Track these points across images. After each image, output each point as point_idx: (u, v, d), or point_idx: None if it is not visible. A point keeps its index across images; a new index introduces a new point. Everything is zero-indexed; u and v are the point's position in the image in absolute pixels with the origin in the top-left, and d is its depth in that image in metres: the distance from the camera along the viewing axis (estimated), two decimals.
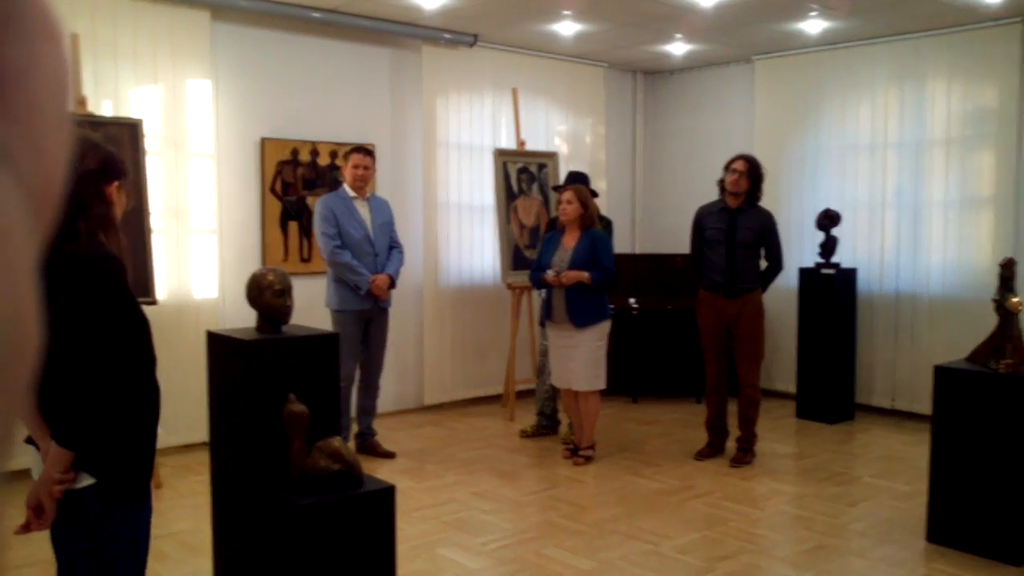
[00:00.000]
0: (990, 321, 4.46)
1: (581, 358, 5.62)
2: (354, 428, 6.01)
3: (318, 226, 5.76)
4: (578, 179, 6.24)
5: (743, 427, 5.84)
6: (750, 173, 5.70)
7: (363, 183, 5.80)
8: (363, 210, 5.83)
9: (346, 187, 5.83)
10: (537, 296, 6.33)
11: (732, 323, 5.74)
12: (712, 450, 5.93)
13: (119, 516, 2.36)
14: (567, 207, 5.66)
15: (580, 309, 5.58)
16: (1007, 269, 4.37)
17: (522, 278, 6.74)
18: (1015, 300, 4.30)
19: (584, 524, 4.66)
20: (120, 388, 2.29)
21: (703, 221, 5.87)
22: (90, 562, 2.33)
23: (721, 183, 5.80)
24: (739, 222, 5.71)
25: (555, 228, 6.12)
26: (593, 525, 4.65)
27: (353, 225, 5.73)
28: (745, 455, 5.81)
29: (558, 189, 6.33)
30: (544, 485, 5.38)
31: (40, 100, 0.30)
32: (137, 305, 2.37)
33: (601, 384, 5.71)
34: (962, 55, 6.74)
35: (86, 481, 2.30)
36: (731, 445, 5.93)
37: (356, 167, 5.77)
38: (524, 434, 6.45)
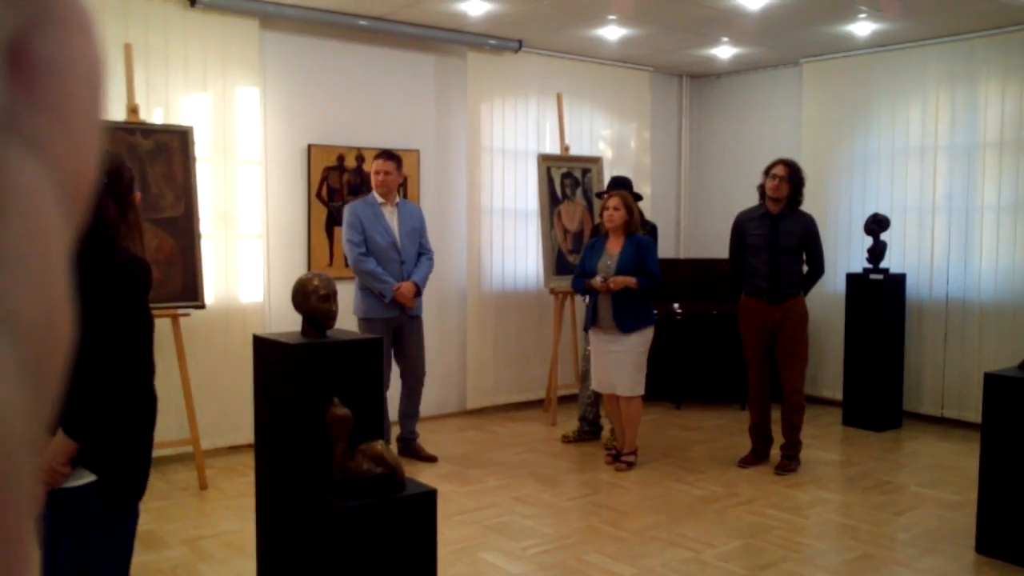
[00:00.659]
0: None
1: (625, 363, 5.62)
2: (396, 431, 6.02)
3: (344, 233, 5.72)
4: (622, 184, 6.23)
5: (788, 434, 5.78)
6: (791, 177, 5.65)
7: (387, 189, 5.70)
8: (391, 216, 5.74)
9: (375, 194, 5.77)
10: (581, 302, 6.32)
11: (776, 329, 5.69)
12: (756, 457, 5.88)
13: (111, 518, 2.40)
14: (614, 213, 5.65)
15: (626, 314, 5.58)
16: None
17: (565, 283, 6.74)
18: None
19: (625, 530, 4.65)
20: (126, 390, 2.35)
21: (744, 227, 5.82)
22: (74, 560, 2.35)
23: (761, 188, 5.75)
24: (781, 227, 5.67)
25: (598, 234, 6.13)
26: (634, 531, 4.64)
27: (379, 232, 5.66)
28: (790, 462, 5.75)
29: (601, 195, 6.33)
30: (586, 491, 5.38)
31: (73, 93, 0.31)
32: (146, 312, 2.44)
33: (641, 389, 5.72)
34: (1017, 55, 6.61)
35: (85, 479, 2.34)
36: (775, 452, 5.87)
37: (377, 173, 5.72)
38: (566, 439, 6.45)
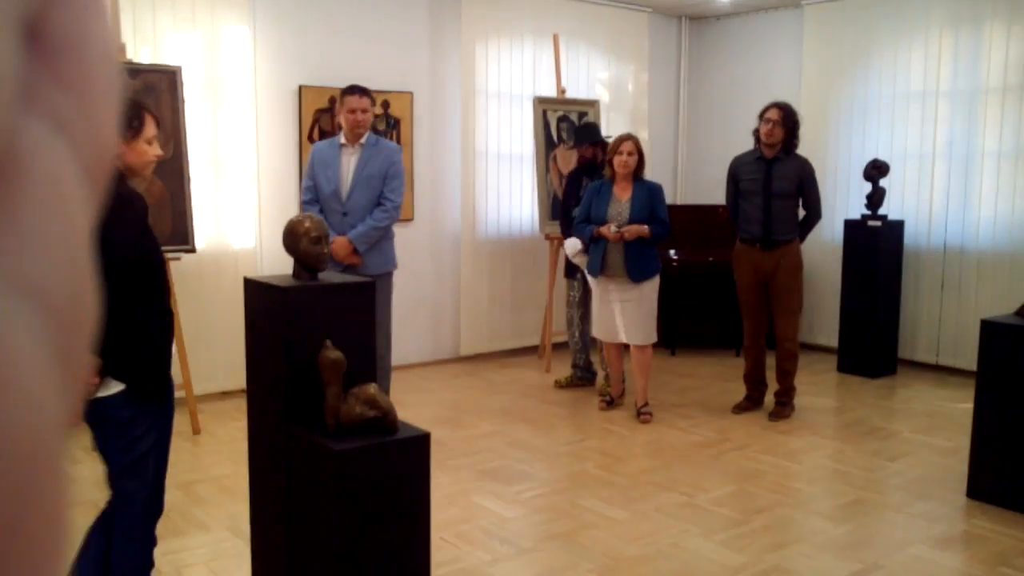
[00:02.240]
0: None
1: (638, 312, 5.55)
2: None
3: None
4: (590, 133, 6.21)
5: (781, 380, 5.77)
6: (785, 121, 5.55)
7: (362, 129, 5.04)
8: (349, 159, 5.06)
9: (341, 133, 5.14)
10: (568, 248, 6.22)
11: (769, 276, 5.64)
12: (750, 403, 5.88)
13: (143, 419, 2.81)
14: (628, 159, 5.48)
15: (638, 264, 5.48)
16: None
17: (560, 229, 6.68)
18: None
19: (619, 475, 4.66)
20: (137, 309, 2.71)
21: (738, 172, 5.74)
22: (123, 457, 2.80)
23: (756, 133, 5.66)
24: (775, 171, 5.59)
25: (577, 178, 6.08)
26: (628, 476, 4.64)
27: (327, 177, 5.02)
28: (783, 408, 5.75)
29: (579, 145, 6.29)
30: (579, 436, 5.38)
31: (92, 70, 0.31)
32: (152, 239, 2.81)
33: (654, 337, 5.68)
34: None
35: (114, 389, 2.73)
36: (769, 399, 5.88)
37: (353, 111, 5.00)
38: (559, 385, 6.44)
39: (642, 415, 5.70)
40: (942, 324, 7.05)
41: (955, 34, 6.87)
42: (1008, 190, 6.65)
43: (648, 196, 5.52)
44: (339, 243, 4.81)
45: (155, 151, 2.91)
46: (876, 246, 6.88)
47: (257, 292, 3.45)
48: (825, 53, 7.66)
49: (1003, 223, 6.68)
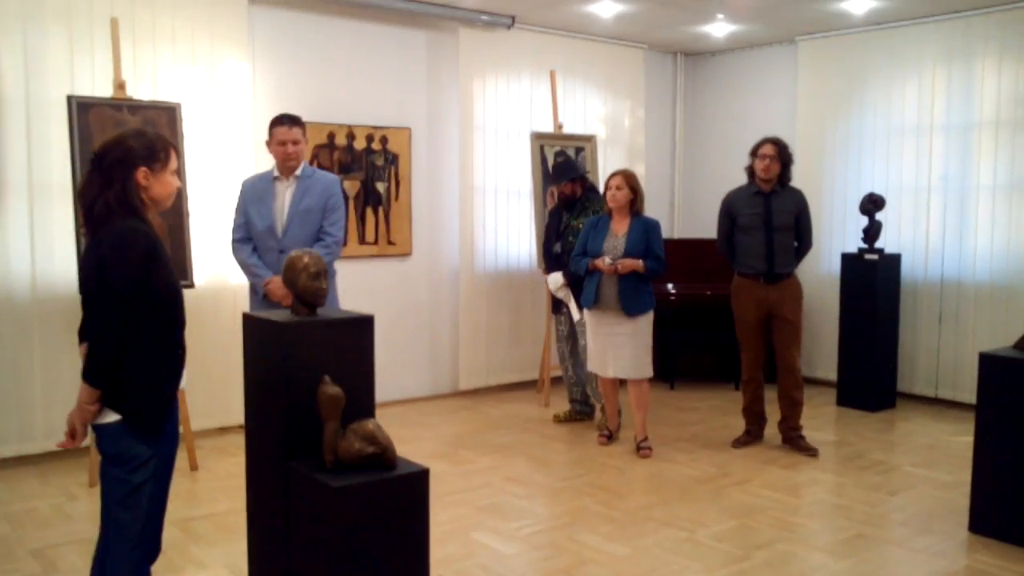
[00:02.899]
0: None
1: (632, 346, 5.57)
2: None
3: None
4: (569, 168, 6.26)
5: (793, 411, 5.75)
6: (780, 156, 5.58)
7: (294, 161, 4.70)
8: (284, 193, 4.69)
9: (275, 167, 4.79)
10: (551, 283, 6.21)
11: (773, 309, 5.63)
12: (750, 438, 5.86)
13: (141, 450, 2.81)
14: (617, 193, 5.55)
15: (632, 298, 5.51)
16: None
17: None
18: None
19: (619, 511, 4.63)
20: (134, 344, 2.74)
21: (735, 206, 5.72)
22: (117, 487, 2.82)
23: (750, 169, 5.67)
24: (775, 205, 5.59)
25: (557, 214, 6.20)
26: (628, 512, 4.61)
27: (260, 212, 4.65)
28: (805, 439, 5.74)
29: (558, 182, 6.33)
30: (579, 471, 5.35)
31: None
32: (164, 273, 2.82)
33: (650, 372, 5.67)
34: (1013, 34, 6.55)
35: (111, 418, 2.78)
36: (771, 432, 5.86)
37: (283, 143, 4.68)
38: (558, 419, 6.42)
39: (641, 450, 5.67)
40: (940, 357, 7.05)
41: (948, 69, 6.94)
42: (1004, 223, 6.68)
43: (644, 231, 5.56)
44: (276, 284, 4.43)
45: (177, 182, 2.98)
46: (873, 280, 6.89)
47: (256, 327, 3.45)
48: (820, 88, 7.73)
49: (999, 256, 6.71)
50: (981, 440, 4.34)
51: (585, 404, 6.46)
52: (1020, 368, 4.21)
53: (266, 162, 6.19)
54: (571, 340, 6.34)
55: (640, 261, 5.47)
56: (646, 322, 5.62)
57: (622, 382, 5.83)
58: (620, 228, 5.61)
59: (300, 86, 6.39)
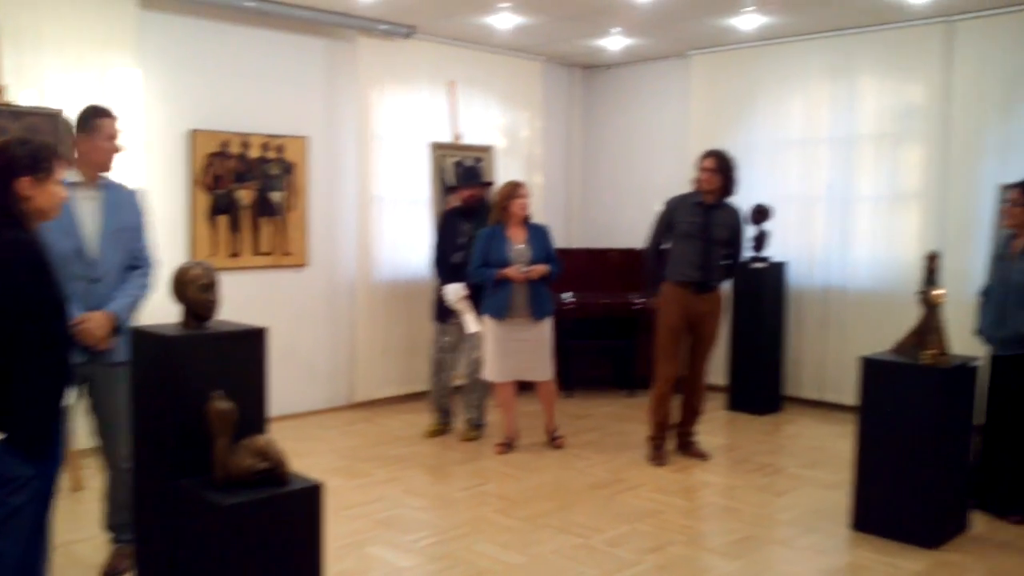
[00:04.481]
0: (915, 313, 4.57)
1: (540, 349, 5.85)
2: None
3: None
4: (474, 175, 6.33)
5: (691, 418, 5.88)
6: (720, 168, 5.62)
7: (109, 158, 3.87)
8: (90, 207, 3.74)
9: (74, 172, 3.74)
10: (451, 294, 6.18)
11: (698, 319, 5.66)
12: (662, 451, 5.77)
13: (25, 470, 2.71)
14: (527, 202, 5.83)
15: (541, 302, 5.79)
16: (931, 263, 4.47)
17: None
18: (938, 292, 4.41)
19: (516, 519, 4.66)
20: (19, 362, 2.65)
21: (676, 213, 5.68)
22: (1, 505, 2.70)
23: (698, 181, 5.68)
24: (714, 218, 5.63)
25: (452, 220, 6.25)
26: (525, 519, 4.65)
27: (62, 231, 3.52)
28: (697, 444, 5.87)
29: (453, 189, 6.38)
30: (476, 481, 5.37)
31: None
32: (50, 286, 2.73)
33: (552, 371, 5.97)
34: (891, 52, 6.88)
35: None
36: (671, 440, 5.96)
37: (112, 138, 3.87)
38: (432, 434, 6.34)
39: (556, 440, 6.01)
40: (825, 361, 7.33)
41: (832, 84, 7.23)
42: (884, 232, 6.99)
43: (542, 237, 5.83)
44: (97, 321, 3.65)
45: (63, 192, 2.88)
46: (762, 287, 7.13)
47: (144, 341, 3.36)
48: (711, 101, 7.95)
49: (880, 263, 7.02)
50: (862, 441, 4.53)
51: (450, 414, 6.45)
52: (898, 371, 4.41)
53: (155, 169, 6.04)
54: (451, 352, 6.32)
55: (546, 267, 5.74)
56: (550, 325, 5.90)
57: (522, 385, 6.02)
58: (518, 236, 5.77)
59: (193, 93, 6.24)
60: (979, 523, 4.61)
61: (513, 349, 5.79)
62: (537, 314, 5.76)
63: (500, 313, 5.74)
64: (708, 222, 5.62)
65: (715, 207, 5.66)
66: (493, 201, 5.99)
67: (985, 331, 4.81)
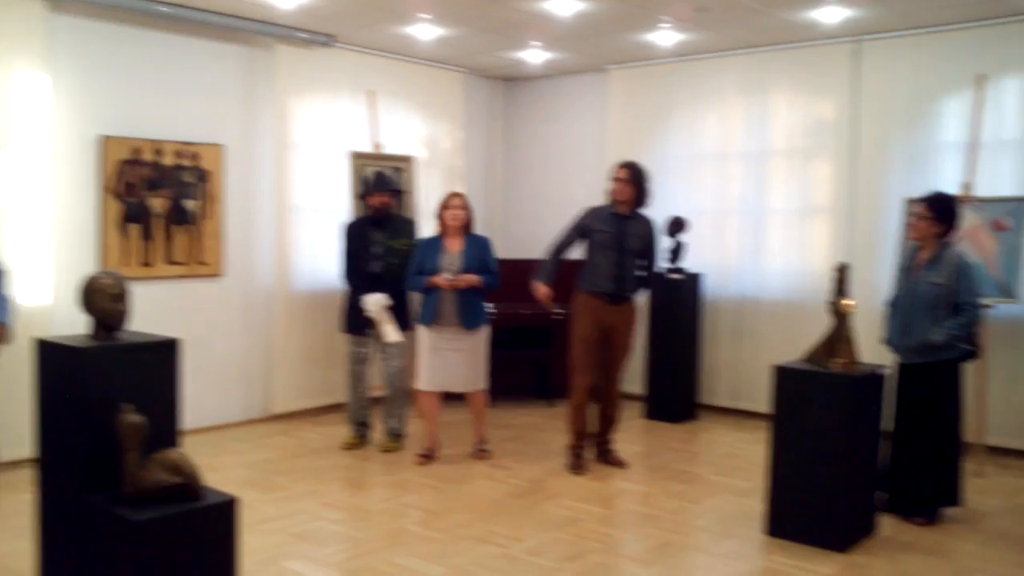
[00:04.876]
0: (825, 323, 4.70)
1: (472, 360, 5.83)
2: None
3: None
4: (386, 182, 6.28)
5: (609, 427, 5.93)
6: (633, 179, 5.68)
7: None
8: None
9: None
10: (372, 304, 6.11)
11: (612, 330, 5.71)
12: (582, 460, 5.80)
13: None
14: (459, 212, 5.81)
15: (471, 312, 5.76)
16: (840, 273, 4.61)
17: None
18: (847, 302, 4.55)
19: (435, 530, 4.64)
20: None
21: (591, 222, 5.72)
22: None
23: (611, 192, 5.74)
24: (628, 229, 5.69)
25: (362, 228, 6.20)
26: (444, 531, 4.63)
27: None
28: (615, 453, 5.92)
29: (364, 196, 6.33)
30: (395, 493, 5.33)
31: None
32: None
33: (484, 383, 5.95)
34: (802, 70, 7.10)
35: None
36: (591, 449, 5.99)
37: None
38: (350, 446, 6.26)
39: (480, 452, 6.01)
40: (739, 370, 7.50)
41: (745, 100, 7.42)
42: (795, 243, 7.19)
43: (478, 248, 5.84)
44: None
45: None
46: (677, 298, 7.25)
47: (50, 353, 3.27)
48: (628, 115, 8.08)
49: (791, 274, 7.21)
50: (775, 448, 4.63)
51: (367, 426, 6.41)
52: (810, 379, 4.53)
53: (63, 176, 5.86)
54: (367, 363, 6.27)
55: (477, 277, 5.71)
56: (483, 336, 5.89)
57: (447, 396, 5.98)
58: (454, 246, 5.80)
59: (104, 99, 6.07)
60: (887, 526, 4.76)
61: (443, 359, 5.78)
62: (467, 324, 5.73)
63: (428, 320, 5.76)
64: (622, 232, 5.68)
65: (629, 218, 5.73)
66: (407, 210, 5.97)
67: (892, 340, 4.98)
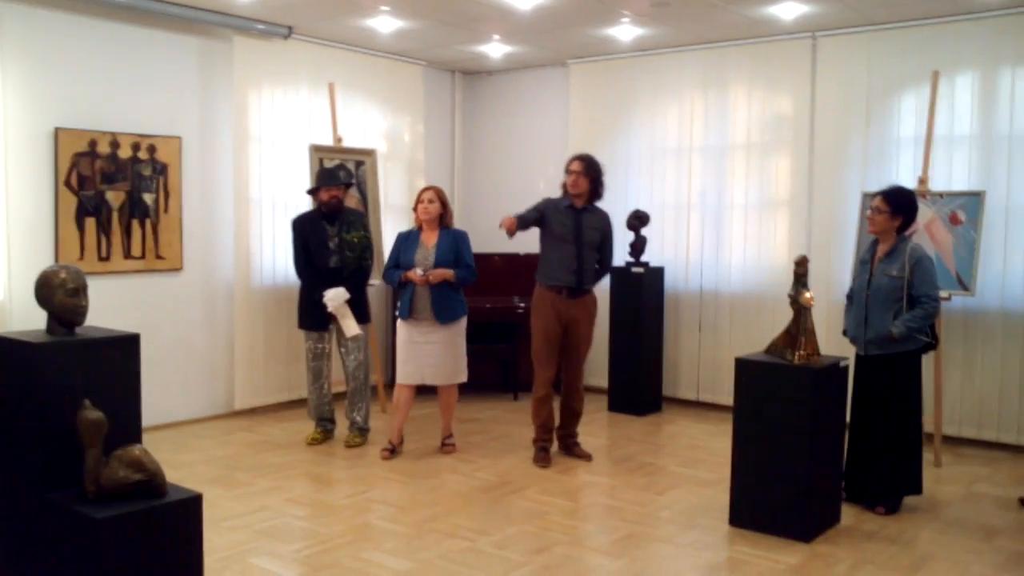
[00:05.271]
0: (786, 315, 4.75)
1: (447, 353, 5.81)
2: None
3: None
4: (334, 175, 6.21)
5: (573, 421, 5.95)
6: (587, 172, 5.70)
7: None
8: None
9: None
10: (332, 299, 6.04)
11: (572, 323, 5.73)
12: (547, 453, 5.83)
13: None
14: (429, 206, 5.78)
15: (445, 306, 5.74)
16: (800, 266, 4.66)
17: None
18: (808, 295, 4.59)
19: (402, 525, 4.62)
20: None
21: (549, 213, 5.71)
22: None
23: (565, 184, 5.75)
24: (585, 222, 5.71)
25: (314, 221, 6.11)
26: (411, 525, 4.61)
27: None
28: (580, 446, 5.95)
29: (314, 191, 6.23)
30: (361, 487, 5.29)
31: None
32: None
33: (463, 377, 5.94)
34: (761, 65, 7.16)
35: None
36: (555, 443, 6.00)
37: None
38: (315, 441, 6.21)
39: (445, 446, 6.00)
40: (701, 362, 7.56)
41: (705, 95, 7.47)
42: (754, 237, 7.26)
43: (453, 242, 5.82)
44: None
45: None
46: (640, 291, 7.29)
47: (6, 349, 3.19)
48: (589, 109, 8.09)
49: (751, 267, 7.28)
50: (738, 439, 4.67)
51: (331, 422, 6.37)
52: (770, 371, 4.58)
53: (16, 169, 5.73)
54: (327, 359, 6.22)
55: (450, 271, 5.71)
56: (459, 329, 5.88)
57: (418, 389, 5.96)
58: (430, 240, 5.81)
59: (58, 90, 5.94)
60: (849, 515, 4.82)
61: (418, 352, 5.77)
62: (441, 317, 5.71)
63: (403, 313, 5.80)
64: (579, 225, 5.70)
65: (585, 211, 5.75)
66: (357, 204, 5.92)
67: (850, 332, 5.04)
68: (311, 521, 4.70)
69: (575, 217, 5.71)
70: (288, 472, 5.56)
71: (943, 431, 6.11)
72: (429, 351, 5.78)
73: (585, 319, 5.80)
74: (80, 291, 3.23)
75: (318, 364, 6.21)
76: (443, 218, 5.85)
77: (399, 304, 5.86)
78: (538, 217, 5.76)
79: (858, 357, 5.00)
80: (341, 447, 6.15)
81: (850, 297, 5.12)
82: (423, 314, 5.73)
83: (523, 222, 5.69)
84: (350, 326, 6.02)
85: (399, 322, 5.87)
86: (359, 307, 6.11)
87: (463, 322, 5.89)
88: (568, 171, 5.74)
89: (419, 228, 5.87)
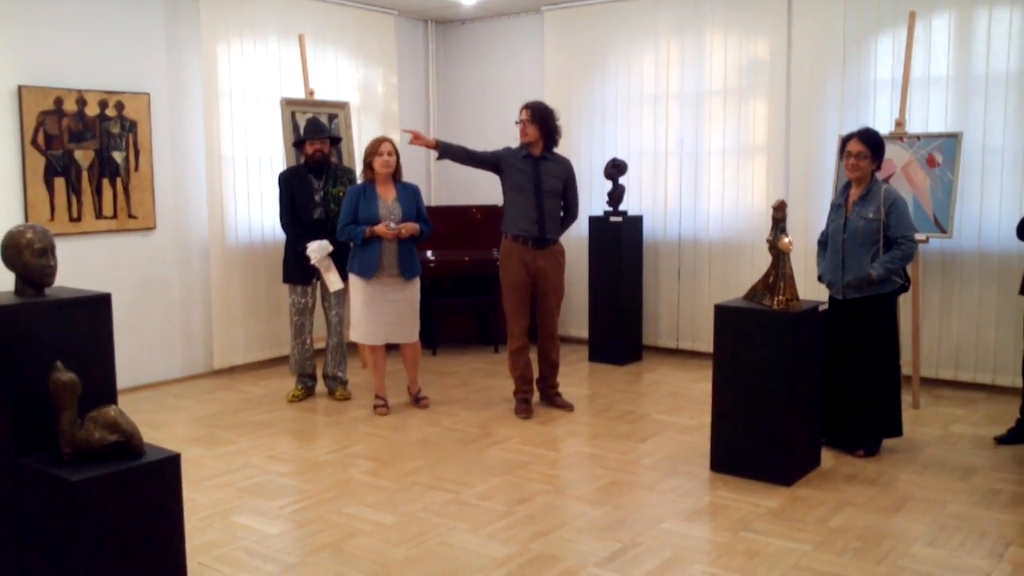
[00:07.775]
0: (764, 261, 4.74)
1: (408, 311, 5.79)
2: None
3: None
4: (320, 128, 6.11)
5: (553, 371, 5.95)
6: (534, 118, 5.65)
7: None
8: None
9: None
10: (316, 251, 5.97)
11: (540, 273, 5.71)
12: (528, 404, 5.85)
13: None
14: (389, 159, 5.66)
15: (411, 261, 5.72)
16: (779, 211, 4.63)
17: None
18: (786, 240, 4.58)
19: (385, 479, 4.63)
20: None
21: (507, 163, 5.70)
22: None
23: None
24: (543, 170, 5.66)
25: (300, 174, 6.05)
26: (394, 479, 4.62)
27: None
28: (561, 396, 5.96)
29: (299, 144, 6.17)
30: (343, 443, 5.29)
31: None
32: None
33: (418, 333, 5.93)
34: (736, 9, 7.06)
35: None
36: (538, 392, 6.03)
37: None
38: (296, 398, 6.20)
39: (421, 401, 6.00)
40: (680, 310, 7.57)
41: (681, 41, 7.38)
42: (732, 184, 7.23)
43: (413, 195, 5.76)
44: None
45: None
46: (618, 240, 7.26)
47: None
48: (565, 57, 7.99)
49: (729, 215, 7.26)
50: (718, 386, 4.69)
51: (312, 378, 6.35)
52: (750, 317, 4.58)
53: None
54: (310, 314, 6.19)
55: (417, 225, 5.65)
56: (417, 286, 5.85)
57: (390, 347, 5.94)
58: (388, 194, 5.70)
59: (19, 47, 5.78)
60: (829, 459, 4.87)
61: (382, 311, 5.71)
62: (407, 273, 5.68)
63: (368, 272, 5.62)
64: (537, 174, 5.65)
65: (544, 159, 5.69)
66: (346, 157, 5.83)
67: (826, 277, 5.04)
68: (294, 478, 4.70)
69: (533, 166, 5.66)
70: (270, 429, 5.54)
71: (921, 373, 6.16)
72: (390, 309, 5.70)
73: (553, 269, 5.77)
74: (48, 251, 3.16)
75: (301, 319, 6.16)
76: (396, 171, 5.74)
77: (357, 262, 5.67)
78: (494, 161, 5.73)
79: (833, 302, 5.00)
80: (322, 404, 6.14)
81: (822, 243, 5.11)
82: (391, 271, 5.64)
83: (466, 154, 5.73)
84: (333, 280, 5.97)
85: (356, 281, 5.70)
86: (343, 262, 6.04)
87: (419, 279, 5.87)
88: (517, 120, 5.69)
89: (371, 182, 5.72)
